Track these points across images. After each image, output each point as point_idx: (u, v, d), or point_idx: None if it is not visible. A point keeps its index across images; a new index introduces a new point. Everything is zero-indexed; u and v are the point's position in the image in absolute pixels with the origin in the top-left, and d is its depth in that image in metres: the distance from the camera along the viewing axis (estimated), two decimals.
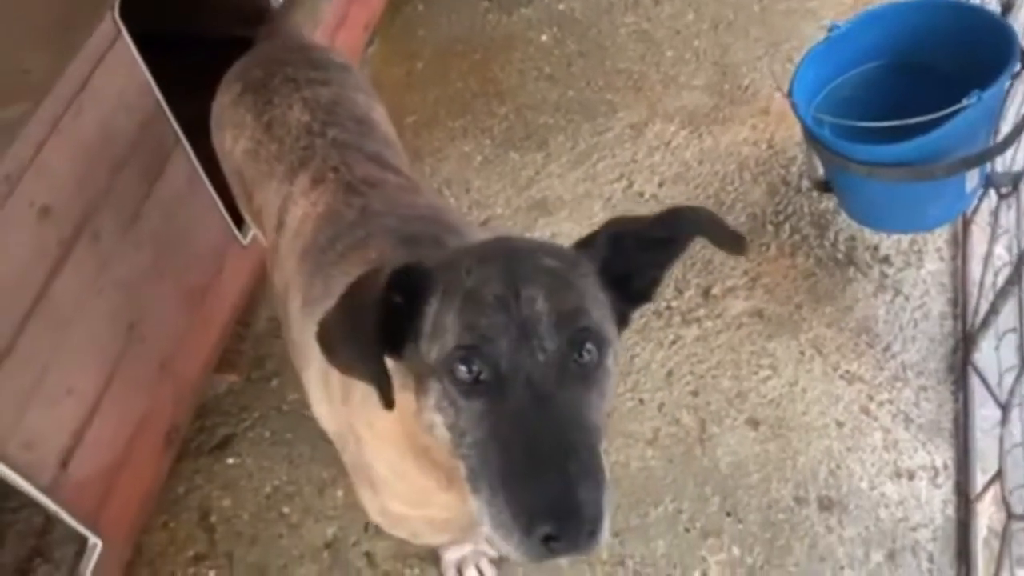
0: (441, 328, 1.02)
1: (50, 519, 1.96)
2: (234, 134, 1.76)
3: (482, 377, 0.99)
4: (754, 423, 2.23)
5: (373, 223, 1.44)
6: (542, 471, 0.93)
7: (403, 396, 1.08)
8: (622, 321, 1.13)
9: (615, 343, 1.08)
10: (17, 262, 1.65)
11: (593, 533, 0.93)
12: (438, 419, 1.03)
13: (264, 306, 2.57)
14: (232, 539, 2.21)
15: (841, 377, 2.28)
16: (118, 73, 1.83)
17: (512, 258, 1.04)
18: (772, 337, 2.37)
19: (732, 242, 1.09)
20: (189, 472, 2.32)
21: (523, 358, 0.98)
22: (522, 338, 0.98)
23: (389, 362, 1.08)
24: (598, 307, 1.06)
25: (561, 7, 3.25)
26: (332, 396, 1.39)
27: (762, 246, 2.55)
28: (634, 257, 1.10)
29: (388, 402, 1.02)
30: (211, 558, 2.18)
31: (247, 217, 1.96)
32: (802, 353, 2.34)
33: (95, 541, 1.95)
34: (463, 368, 0.99)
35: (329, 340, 1.07)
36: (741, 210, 2.64)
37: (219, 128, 1.83)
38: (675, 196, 2.69)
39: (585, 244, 1.11)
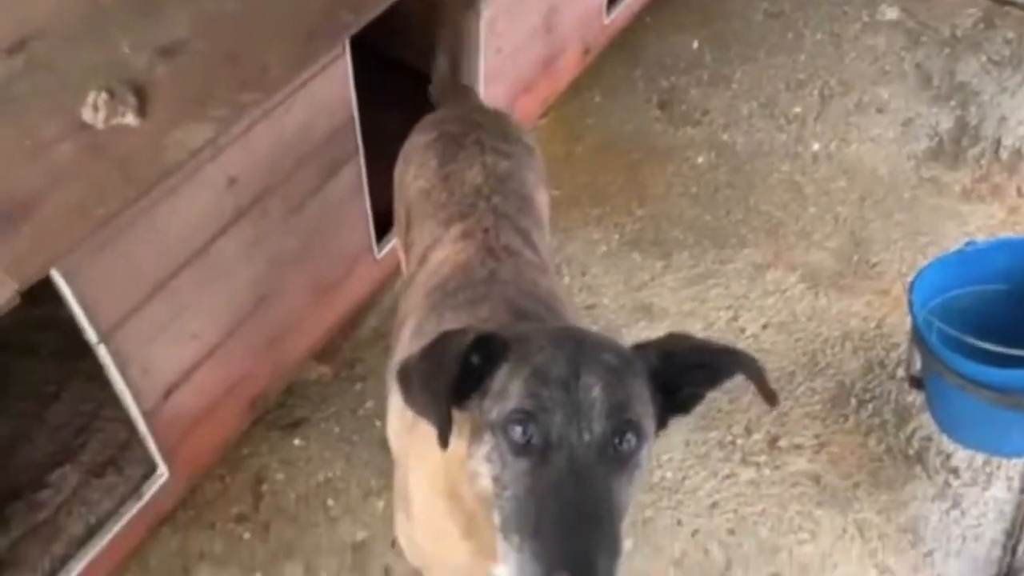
0: (506, 391, 1.18)
1: (132, 438, 2.16)
2: (416, 172, 1.96)
3: (532, 441, 1.15)
4: None
5: (495, 288, 1.61)
6: (568, 532, 1.08)
7: (455, 443, 1.24)
8: (661, 424, 1.28)
9: (651, 440, 1.23)
10: (196, 217, 1.89)
11: None
12: (484, 469, 1.19)
13: (373, 316, 2.77)
14: (275, 511, 2.38)
15: (875, 566, 2.32)
16: (332, 83, 2.08)
17: (579, 347, 1.21)
18: (821, 505, 2.43)
19: (768, 395, 1.24)
20: (258, 439, 2.50)
21: (571, 433, 1.13)
22: (574, 416, 1.14)
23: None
24: (643, 405, 1.21)
25: (725, 137, 3.39)
26: (404, 422, 1.55)
27: (840, 417, 2.61)
28: (682, 373, 1.26)
29: (445, 443, 1.18)
30: (251, 521, 2.36)
31: (398, 241, 2.15)
32: (844, 530, 2.39)
33: (163, 471, 2.15)
34: (519, 429, 1.15)
35: (408, 380, 1.25)
36: (831, 376, 2.71)
37: (406, 162, 2.04)
38: (774, 342, 2.78)
39: (642, 349, 1.26)
